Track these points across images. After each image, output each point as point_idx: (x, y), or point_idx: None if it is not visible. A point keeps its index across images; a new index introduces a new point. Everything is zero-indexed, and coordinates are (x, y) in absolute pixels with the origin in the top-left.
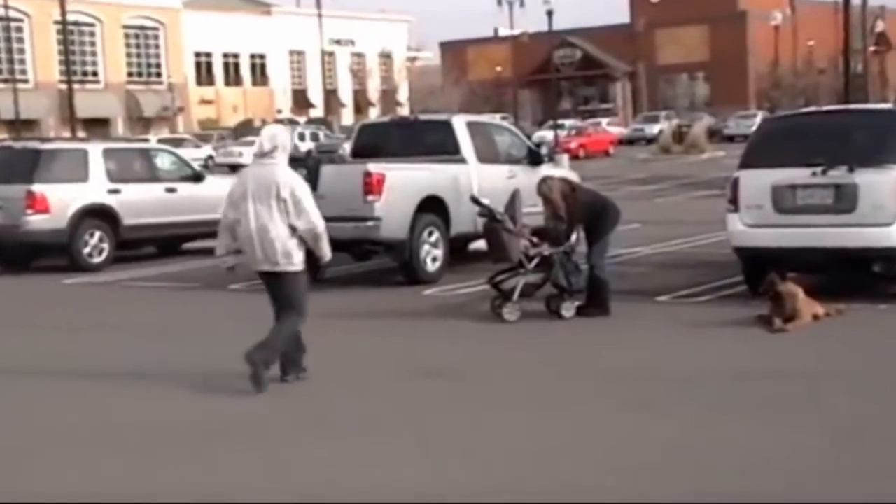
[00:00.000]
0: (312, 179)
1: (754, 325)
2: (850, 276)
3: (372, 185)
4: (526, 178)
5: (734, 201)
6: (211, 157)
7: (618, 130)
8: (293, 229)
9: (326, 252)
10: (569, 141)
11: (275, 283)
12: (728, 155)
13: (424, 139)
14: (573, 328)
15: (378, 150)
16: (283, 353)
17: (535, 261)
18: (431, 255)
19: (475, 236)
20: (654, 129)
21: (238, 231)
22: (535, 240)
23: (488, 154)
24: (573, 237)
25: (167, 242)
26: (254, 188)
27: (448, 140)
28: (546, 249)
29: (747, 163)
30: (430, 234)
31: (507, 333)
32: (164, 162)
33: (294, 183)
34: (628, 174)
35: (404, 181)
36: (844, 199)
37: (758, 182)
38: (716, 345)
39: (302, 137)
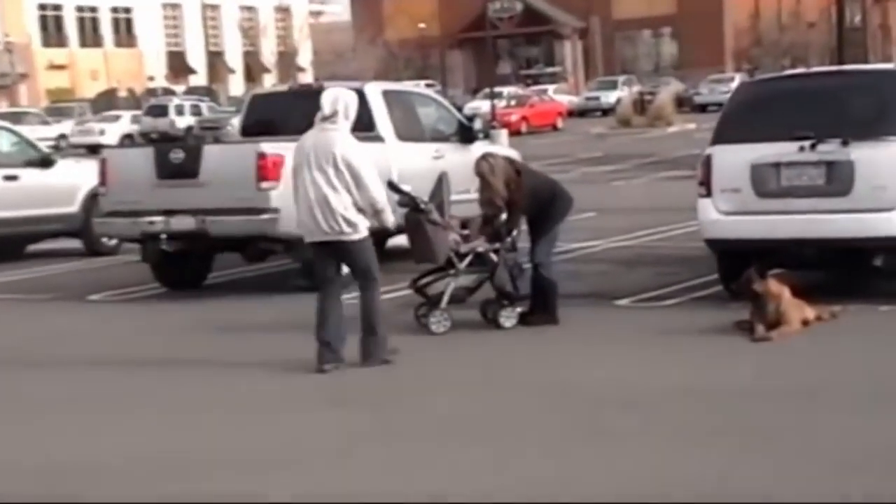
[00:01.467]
0: (192, 163)
1: (733, 333)
2: (845, 271)
3: (267, 170)
4: (456, 159)
5: (706, 184)
6: (63, 136)
7: (567, 99)
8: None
9: (389, 221)
10: (508, 113)
11: (338, 253)
12: (700, 128)
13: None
14: (515, 340)
15: (274, 127)
16: (321, 340)
17: (468, 259)
18: None
19: (395, 231)
20: (610, 97)
21: (297, 200)
22: (466, 233)
23: (410, 130)
24: (514, 231)
25: (6, 244)
26: (313, 155)
27: (360, 113)
28: (481, 245)
29: (722, 137)
30: None
31: (433, 348)
32: (0, 143)
33: (352, 154)
34: (581, 152)
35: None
36: (838, 180)
37: (734, 160)
38: (687, 357)
39: (180, 111)
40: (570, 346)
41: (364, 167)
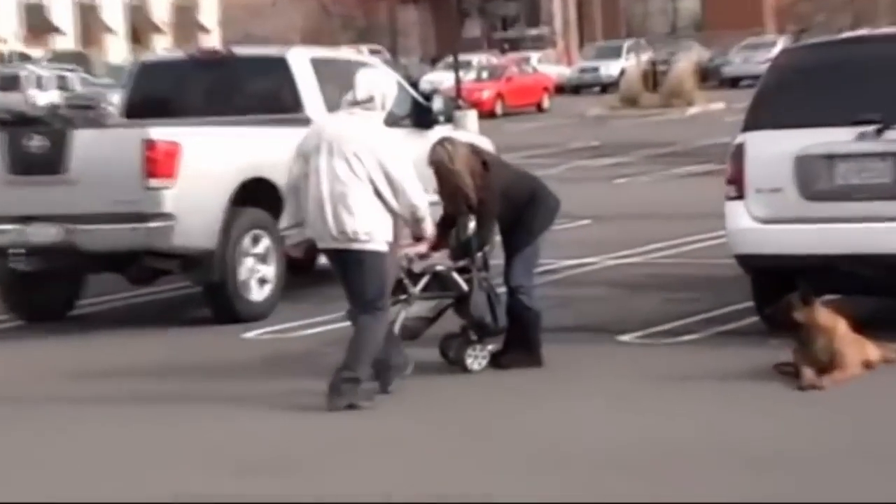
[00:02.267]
0: (56, 154)
1: (771, 379)
2: None
3: (157, 163)
4: (408, 149)
5: (737, 183)
6: None
7: (556, 71)
8: (382, 200)
9: (428, 232)
10: (478, 88)
11: (347, 265)
12: (730, 108)
13: (244, 87)
14: (485, 390)
15: (168, 106)
16: (377, 361)
17: (423, 281)
18: (257, 275)
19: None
20: (612, 68)
21: (303, 193)
22: (422, 247)
23: None
24: (487, 245)
25: None
26: (335, 141)
27: (283, 88)
28: (441, 262)
29: (758, 121)
30: (256, 241)
31: (378, 400)
32: None
33: (387, 148)
34: (573, 141)
35: (212, 156)
36: None
37: (774, 151)
38: (709, 412)
39: (40, 84)
40: (558, 395)
41: (404, 166)
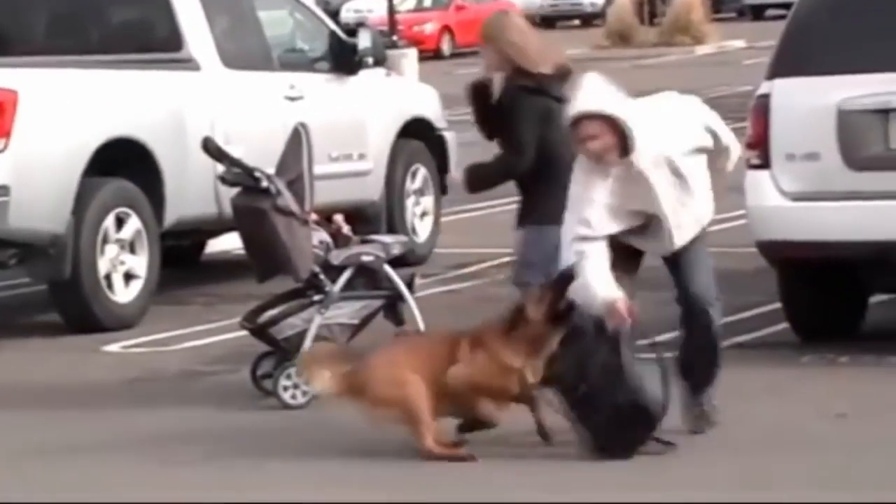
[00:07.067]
0: None
1: (811, 418)
2: None
3: None
4: (326, 101)
5: (761, 146)
6: None
7: None
8: None
9: None
10: (419, 20)
11: None
12: (752, 47)
13: (107, 17)
14: None
15: (1, 40)
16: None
17: (347, 275)
18: (123, 268)
19: (218, 227)
20: None
21: None
22: (343, 229)
23: (244, 51)
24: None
25: None
26: None
27: (158, 20)
28: (369, 249)
29: (788, 64)
30: (121, 223)
31: (282, 438)
32: None
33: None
34: None
35: (61, 108)
36: None
37: (809, 105)
38: (724, 468)
39: None
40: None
41: None
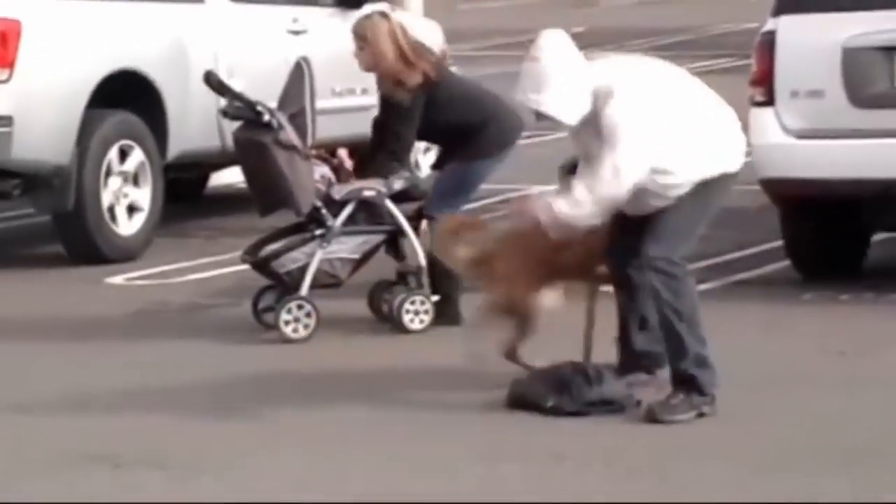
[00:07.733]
0: None
1: (801, 342)
2: None
3: None
4: (329, 35)
5: (765, 83)
6: None
7: None
8: None
9: None
10: None
11: None
12: None
13: None
14: (436, 355)
15: None
16: None
17: (348, 211)
18: (126, 200)
19: (221, 160)
20: None
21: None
22: (346, 163)
23: None
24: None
25: None
26: None
27: None
28: (371, 185)
29: (793, 2)
30: (124, 155)
31: (284, 374)
32: None
33: None
34: (549, 27)
35: (65, 38)
36: None
37: (814, 41)
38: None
39: None
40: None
41: None
